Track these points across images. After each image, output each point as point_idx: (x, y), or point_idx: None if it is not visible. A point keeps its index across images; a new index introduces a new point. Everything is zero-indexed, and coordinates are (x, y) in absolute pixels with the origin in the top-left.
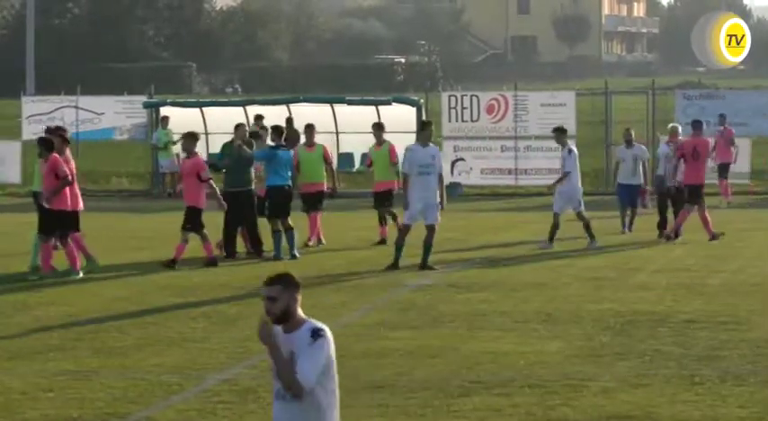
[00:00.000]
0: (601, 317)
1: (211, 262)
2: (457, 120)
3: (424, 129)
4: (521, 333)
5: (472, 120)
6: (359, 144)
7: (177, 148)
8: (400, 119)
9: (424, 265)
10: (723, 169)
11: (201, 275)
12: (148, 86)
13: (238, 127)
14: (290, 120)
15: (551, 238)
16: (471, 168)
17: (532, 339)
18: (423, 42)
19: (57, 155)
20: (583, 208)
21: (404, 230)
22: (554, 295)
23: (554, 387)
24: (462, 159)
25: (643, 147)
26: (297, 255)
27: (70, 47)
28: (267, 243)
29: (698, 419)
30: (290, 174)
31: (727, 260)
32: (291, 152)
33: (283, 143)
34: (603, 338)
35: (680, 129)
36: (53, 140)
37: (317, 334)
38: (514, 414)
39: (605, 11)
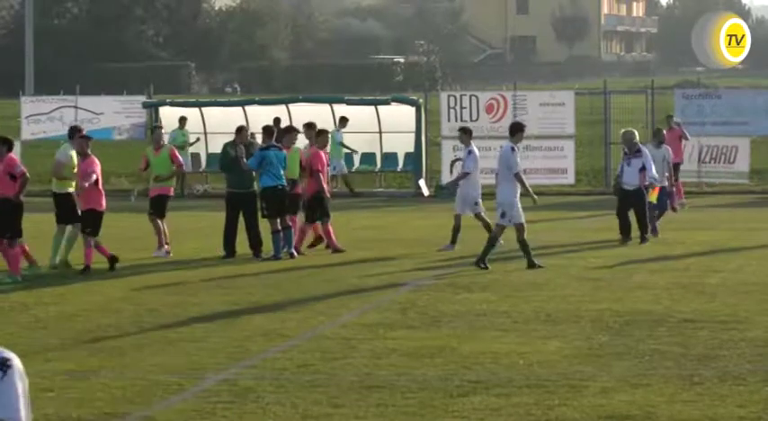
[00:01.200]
0: (600, 317)
1: (86, 270)
2: (456, 120)
3: (521, 131)
4: (520, 333)
5: (471, 120)
6: (358, 144)
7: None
8: (399, 119)
9: (532, 263)
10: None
11: (200, 275)
12: (147, 86)
13: (240, 130)
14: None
15: (453, 240)
16: None
17: (531, 339)
18: (422, 42)
19: (13, 155)
20: (482, 210)
21: (501, 229)
22: (553, 295)
23: (553, 387)
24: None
25: (668, 147)
26: (294, 253)
27: (69, 47)
28: (266, 244)
29: (697, 419)
30: (282, 172)
31: (726, 259)
32: (284, 152)
33: (274, 143)
34: (602, 338)
35: (636, 132)
36: (12, 141)
37: (4, 365)
38: (513, 414)
39: (604, 10)
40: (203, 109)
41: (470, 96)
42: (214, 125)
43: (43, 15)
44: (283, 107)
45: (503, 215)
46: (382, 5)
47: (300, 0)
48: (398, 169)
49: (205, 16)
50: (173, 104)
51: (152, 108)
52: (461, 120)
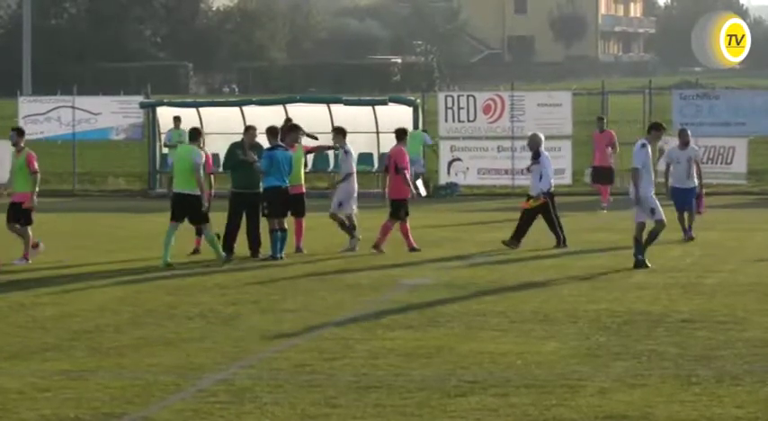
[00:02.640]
0: (597, 317)
1: None
2: (454, 121)
3: (657, 130)
4: (517, 333)
5: (469, 121)
6: (356, 144)
7: None
8: (397, 119)
9: (641, 262)
10: (603, 173)
11: (198, 275)
12: (145, 86)
13: (248, 129)
14: (288, 122)
15: (352, 235)
16: (468, 168)
17: (529, 339)
18: (419, 42)
19: None
20: (337, 210)
21: (640, 227)
22: (550, 295)
23: (550, 387)
24: (459, 159)
25: (696, 147)
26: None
27: (66, 47)
28: (265, 245)
29: (694, 419)
30: (288, 173)
31: (724, 260)
32: (290, 152)
33: (280, 143)
34: (600, 338)
35: (542, 136)
36: None
37: None
38: (511, 414)
39: (602, 11)
40: (201, 109)
41: (468, 96)
42: (211, 125)
43: (41, 15)
44: (281, 107)
45: (652, 212)
46: (380, 5)
47: (298, 0)
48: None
49: (203, 16)
50: (170, 104)
51: (149, 108)
52: (459, 121)
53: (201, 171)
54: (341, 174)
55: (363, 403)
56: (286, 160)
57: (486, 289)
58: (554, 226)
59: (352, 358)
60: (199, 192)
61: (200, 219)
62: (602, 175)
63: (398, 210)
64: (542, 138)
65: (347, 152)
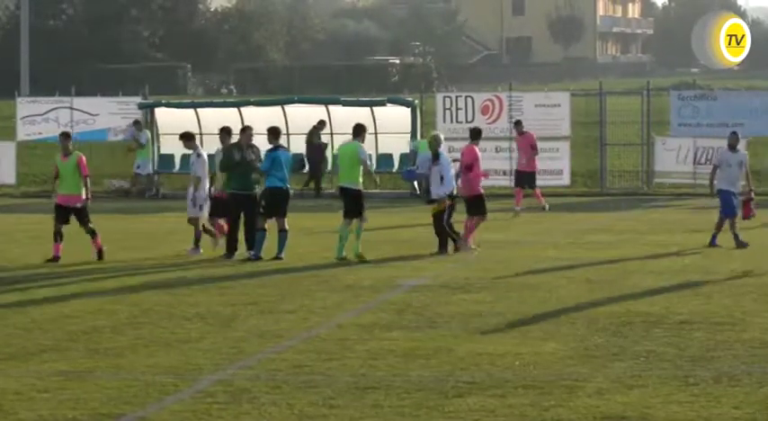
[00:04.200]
0: (595, 318)
1: None
2: (452, 121)
3: None
4: (515, 334)
5: (467, 121)
6: None
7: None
8: (395, 120)
9: None
10: (525, 177)
11: (196, 276)
12: (143, 87)
13: (245, 130)
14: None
15: (197, 243)
16: None
17: (527, 340)
18: (417, 43)
19: None
20: (197, 213)
21: None
22: (548, 296)
23: (548, 388)
24: (457, 160)
25: (745, 152)
26: (282, 257)
27: (65, 48)
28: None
29: (692, 420)
30: (287, 174)
31: (722, 260)
32: (290, 153)
33: (281, 144)
34: (598, 339)
35: (442, 137)
36: None
37: None
38: (509, 415)
39: (600, 12)
40: (199, 110)
41: (466, 97)
42: (210, 126)
43: (39, 16)
44: (279, 108)
45: None
46: (378, 6)
47: (296, 1)
48: (394, 170)
49: (200, 17)
50: (168, 105)
51: (147, 109)
52: (457, 122)
53: (368, 164)
54: (192, 177)
55: (361, 404)
56: (287, 161)
57: (484, 289)
58: (444, 232)
59: (350, 359)
60: (360, 187)
61: (354, 213)
62: (524, 179)
63: (479, 205)
64: (442, 139)
65: (199, 156)
